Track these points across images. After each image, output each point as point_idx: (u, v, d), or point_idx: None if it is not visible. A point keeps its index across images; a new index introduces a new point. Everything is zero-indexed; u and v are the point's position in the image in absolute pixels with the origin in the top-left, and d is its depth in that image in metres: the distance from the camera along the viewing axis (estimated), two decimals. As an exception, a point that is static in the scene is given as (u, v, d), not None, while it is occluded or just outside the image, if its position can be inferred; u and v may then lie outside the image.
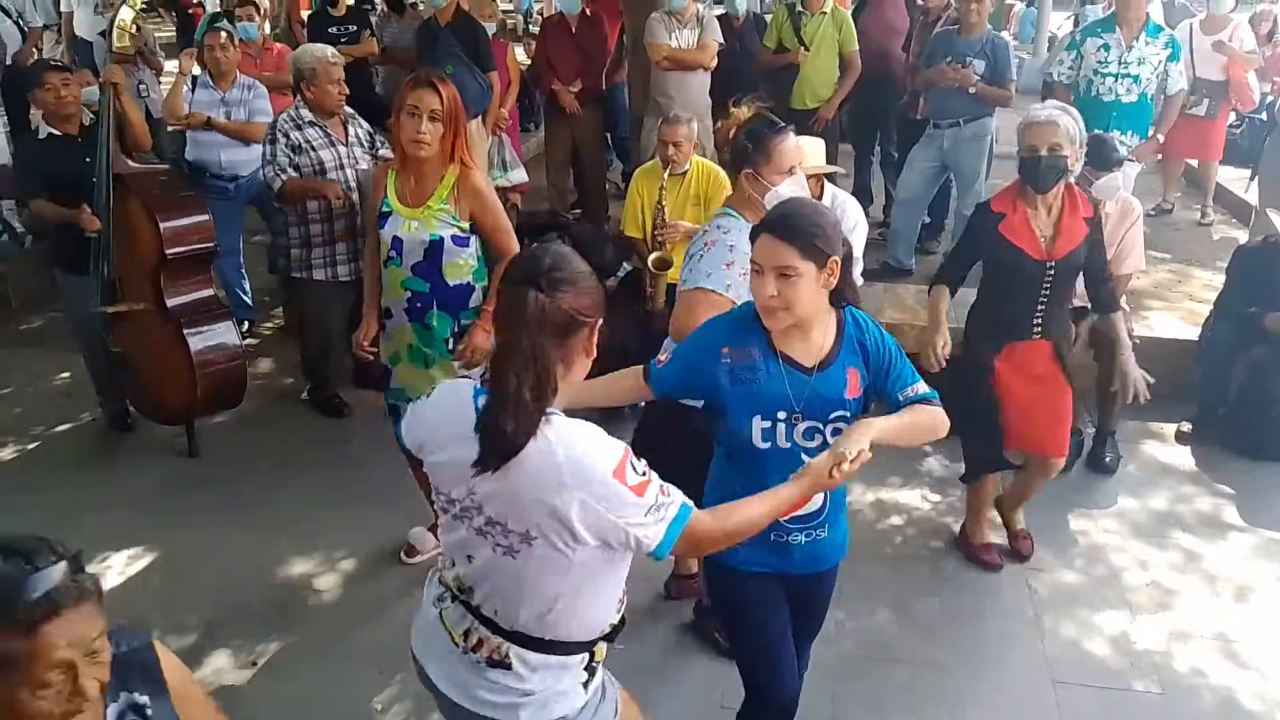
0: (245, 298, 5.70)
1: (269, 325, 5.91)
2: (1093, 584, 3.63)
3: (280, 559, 3.77)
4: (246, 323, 5.68)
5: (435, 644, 1.94)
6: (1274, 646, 3.32)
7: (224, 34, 5.23)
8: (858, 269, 2.58)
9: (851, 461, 1.90)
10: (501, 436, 1.68)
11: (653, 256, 4.55)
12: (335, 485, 4.21)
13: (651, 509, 1.73)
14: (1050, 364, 3.41)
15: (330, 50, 4.38)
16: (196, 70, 5.28)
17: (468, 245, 3.25)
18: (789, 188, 2.68)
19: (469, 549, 1.85)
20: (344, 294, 4.53)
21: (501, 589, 1.82)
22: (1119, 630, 3.41)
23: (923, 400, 2.17)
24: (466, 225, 3.22)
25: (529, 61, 8.43)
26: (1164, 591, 3.61)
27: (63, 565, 1.35)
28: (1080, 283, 3.44)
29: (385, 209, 3.24)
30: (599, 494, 1.69)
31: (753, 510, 1.88)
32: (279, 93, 5.75)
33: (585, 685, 1.93)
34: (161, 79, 7.04)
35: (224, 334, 4.34)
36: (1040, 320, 3.35)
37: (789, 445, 2.16)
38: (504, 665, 1.85)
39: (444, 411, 1.86)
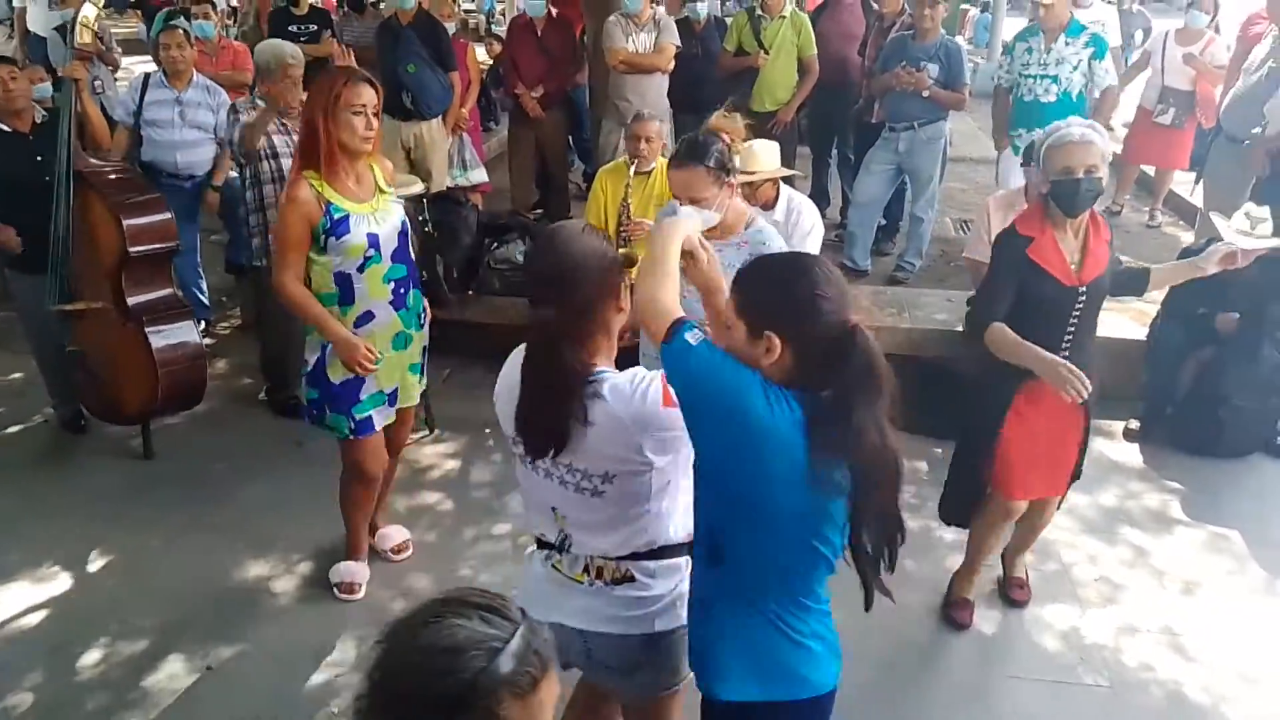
0: (202, 297, 5.64)
1: (225, 325, 5.86)
2: (1043, 579, 3.69)
3: (236, 561, 3.74)
4: (203, 322, 5.62)
5: (558, 594, 2.09)
6: (1220, 640, 3.40)
7: (179, 32, 5.17)
8: None
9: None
10: (542, 432, 1.95)
11: (620, 254, 4.56)
12: (292, 487, 4.18)
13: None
14: (1069, 407, 2.98)
15: (292, 49, 4.35)
16: (151, 68, 5.22)
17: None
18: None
19: (553, 501, 2.04)
20: None
21: (598, 524, 2.00)
22: (1069, 625, 3.47)
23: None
24: (404, 204, 3.36)
25: (490, 61, 8.42)
26: (1113, 586, 3.68)
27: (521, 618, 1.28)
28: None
29: (338, 214, 3.06)
30: (662, 425, 1.88)
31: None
32: (235, 91, 5.70)
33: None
34: (117, 76, 6.96)
35: (185, 333, 4.31)
36: (1068, 348, 3.07)
37: None
38: (628, 579, 2.03)
39: (509, 377, 2.05)
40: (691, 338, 1.77)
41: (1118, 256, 3.27)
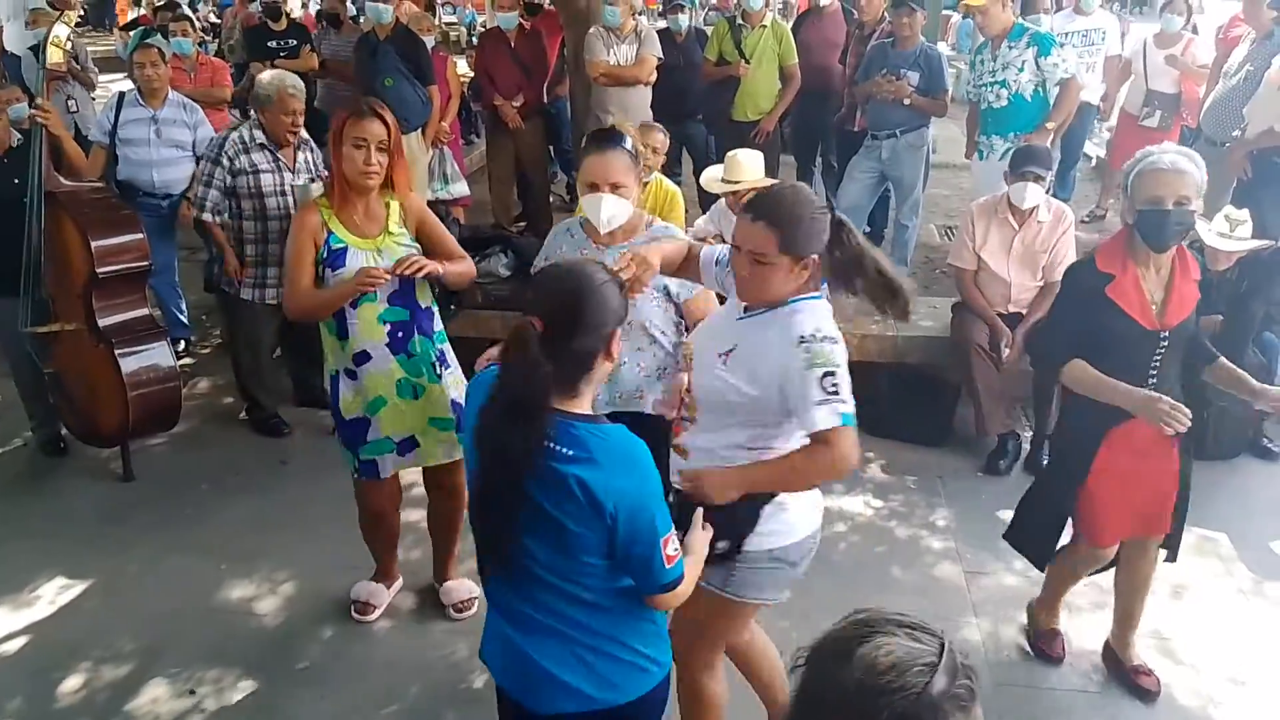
0: (181, 316, 5.60)
1: (206, 344, 5.82)
2: (1031, 585, 3.66)
3: (219, 583, 3.70)
4: (183, 341, 5.59)
5: None
6: (1208, 642, 3.40)
7: (154, 50, 5.14)
8: None
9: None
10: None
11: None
12: (275, 507, 4.14)
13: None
14: (1160, 436, 2.80)
15: (293, 81, 4.36)
16: (127, 86, 5.19)
17: None
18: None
19: None
20: (272, 315, 4.50)
21: None
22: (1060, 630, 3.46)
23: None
24: (419, 246, 3.15)
25: (471, 74, 8.42)
26: (1101, 591, 3.65)
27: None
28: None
29: (336, 244, 3.03)
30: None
31: None
32: (212, 108, 5.68)
33: None
34: (95, 94, 6.91)
35: (157, 355, 4.25)
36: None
37: None
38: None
39: None
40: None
41: (1210, 297, 3.05)
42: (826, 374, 2.10)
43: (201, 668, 3.27)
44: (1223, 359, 3.03)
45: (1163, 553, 3.15)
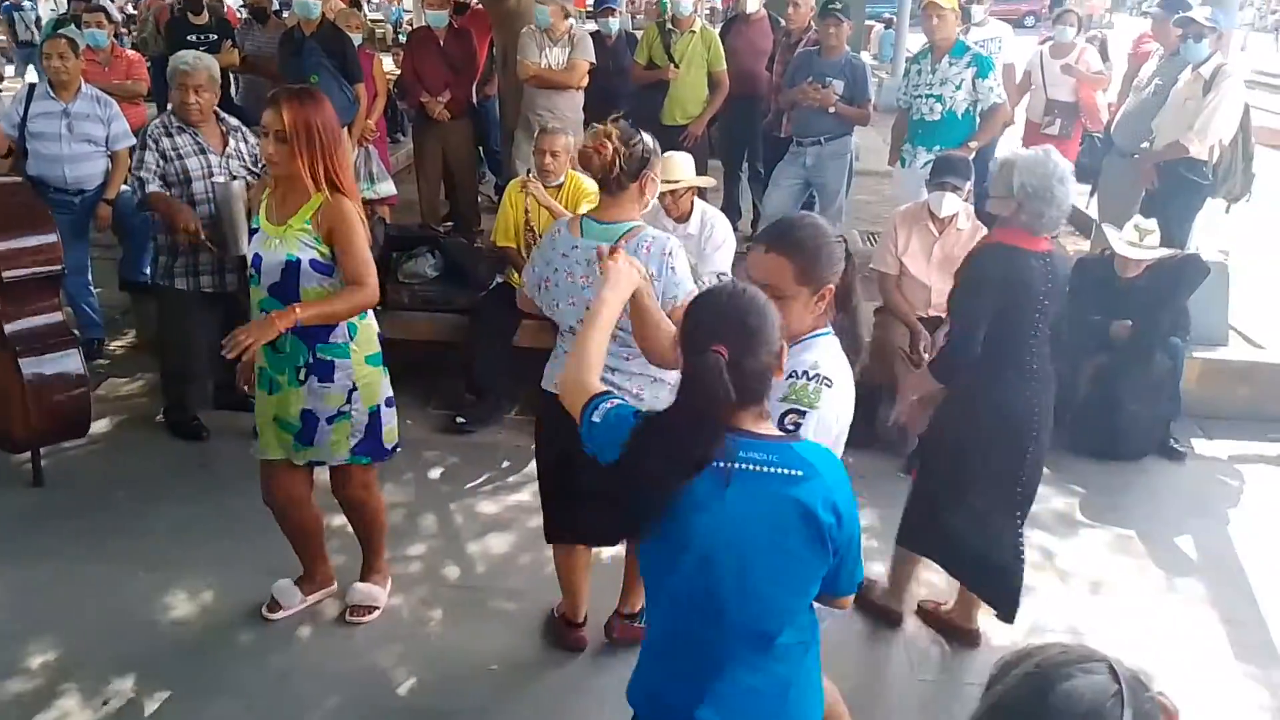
0: (94, 315, 5.43)
1: (120, 344, 5.64)
2: (952, 581, 3.75)
3: (137, 593, 3.58)
4: (96, 341, 5.42)
5: None
6: (1123, 637, 3.50)
7: (63, 40, 4.97)
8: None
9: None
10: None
11: None
12: (196, 514, 4.03)
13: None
14: None
15: (189, 58, 4.26)
16: (33, 78, 5.02)
17: (330, 275, 3.01)
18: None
19: None
20: (207, 306, 4.40)
21: None
22: (978, 626, 3.53)
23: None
24: (328, 251, 2.99)
25: (398, 71, 8.32)
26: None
27: None
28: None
29: (254, 225, 3.09)
30: None
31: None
32: (129, 102, 5.52)
33: None
34: (1, 88, 6.66)
35: (66, 363, 4.11)
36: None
37: None
38: None
39: None
40: (596, 415, 1.87)
41: None
42: (790, 411, 2.03)
43: (117, 679, 3.16)
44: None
45: None
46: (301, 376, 3.08)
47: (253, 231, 3.11)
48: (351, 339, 3.11)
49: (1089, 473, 4.60)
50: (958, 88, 5.59)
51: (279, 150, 2.93)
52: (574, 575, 3.30)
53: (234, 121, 4.44)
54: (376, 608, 3.49)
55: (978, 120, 5.64)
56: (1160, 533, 4.16)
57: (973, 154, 5.61)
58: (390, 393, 3.27)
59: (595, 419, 1.86)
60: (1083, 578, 3.85)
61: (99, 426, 4.48)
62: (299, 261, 2.97)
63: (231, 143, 4.36)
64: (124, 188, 5.00)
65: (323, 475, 3.40)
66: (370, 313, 3.17)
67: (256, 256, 3.04)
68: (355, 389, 3.14)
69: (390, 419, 3.27)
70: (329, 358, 3.08)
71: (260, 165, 4.28)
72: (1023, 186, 2.95)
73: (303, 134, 2.90)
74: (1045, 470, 4.54)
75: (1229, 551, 4.07)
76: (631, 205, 2.87)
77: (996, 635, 3.48)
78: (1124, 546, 4.07)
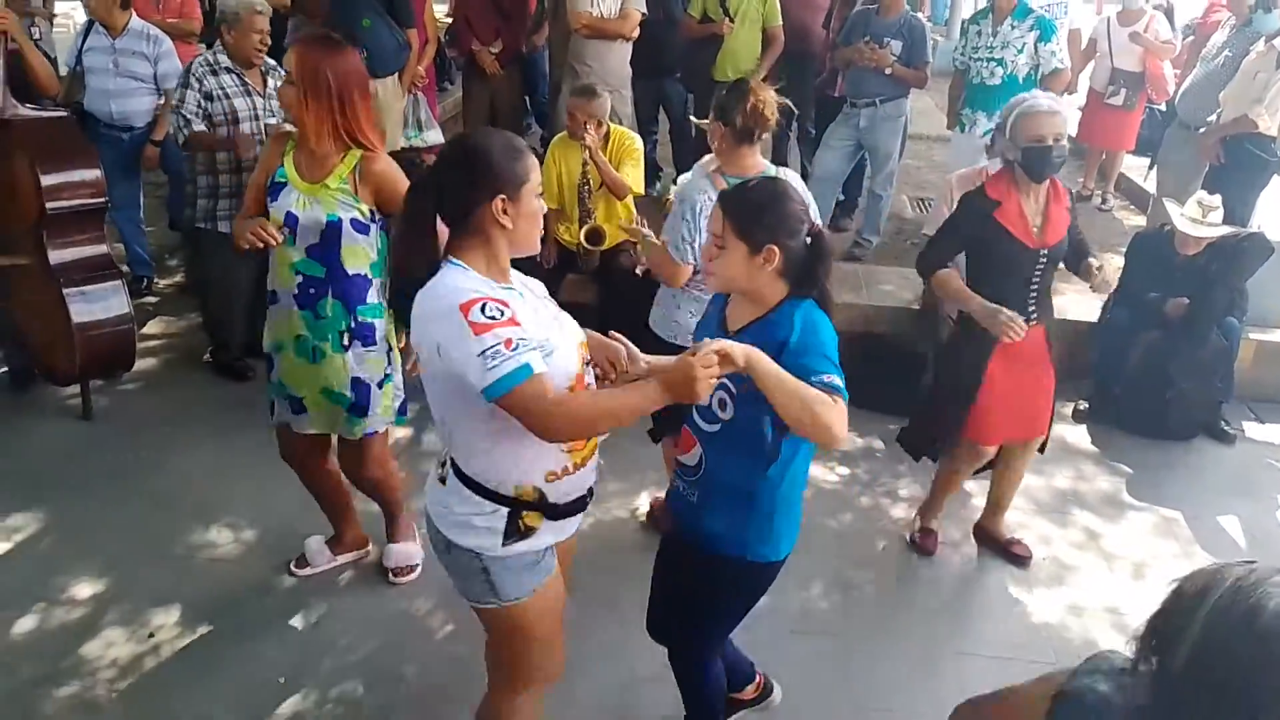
0: (144, 254, 5.47)
1: (169, 283, 5.68)
2: (995, 559, 3.73)
3: (178, 527, 3.64)
4: (146, 280, 5.46)
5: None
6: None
7: None
8: None
9: (719, 351, 1.88)
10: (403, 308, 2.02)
11: (585, 229, 4.52)
12: (236, 451, 4.07)
13: (484, 354, 1.83)
14: (1040, 348, 3.41)
15: None
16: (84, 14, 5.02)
17: (368, 233, 2.91)
18: None
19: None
20: (249, 253, 4.40)
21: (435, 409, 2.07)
22: (1018, 603, 3.52)
23: (826, 388, 2.02)
24: (368, 210, 2.89)
25: (449, 20, 8.24)
26: (1062, 567, 3.73)
27: None
28: None
29: (280, 179, 2.90)
30: (445, 322, 1.88)
31: (598, 399, 2.00)
32: (183, 41, 5.50)
33: (504, 537, 2.08)
34: (54, 23, 6.66)
35: (110, 296, 4.13)
36: (1034, 306, 3.33)
37: None
38: (441, 480, 2.13)
39: None
40: None
41: (1076, 224, 3.38)
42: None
43: (159, 612, 3.22)
44: (1090, 259, 3.36)
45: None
46: (345, 341, 2.98)
47: (278, 185, 2.92)
48: (382, 300, 3.02)
49: (1136, 452, 4.52)
50: (1019, 51, 5.45)
51: (290, 96, 2.83)
52: None
53: (271, 61, 4.37)
54: (416, 565, 3.46)
55: (1039, 85, 5.49)
56: (1206, 516, 4.09)
57: None
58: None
59: None
60: (1126, 559, 3.80)
61: (147, 364, 4.53)
62: (340, 222, 2.87)
63: (271, 82, 4.31)
64: (170, 129, 5.01)
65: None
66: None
67: (291, 215, 2.88)
68: (391, 349, 3.09)
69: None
70: (369, 319, 2.99)
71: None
72: None
73: (309, 81, 2.77)
74: (1092, 448, 4.54)
75: (1276, 536, 4.00)
76: (757, 155, 3.22)
77: (1034, 610, 3.46)
78: (1169, 529, 4.00)
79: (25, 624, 3.15)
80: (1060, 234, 3.28)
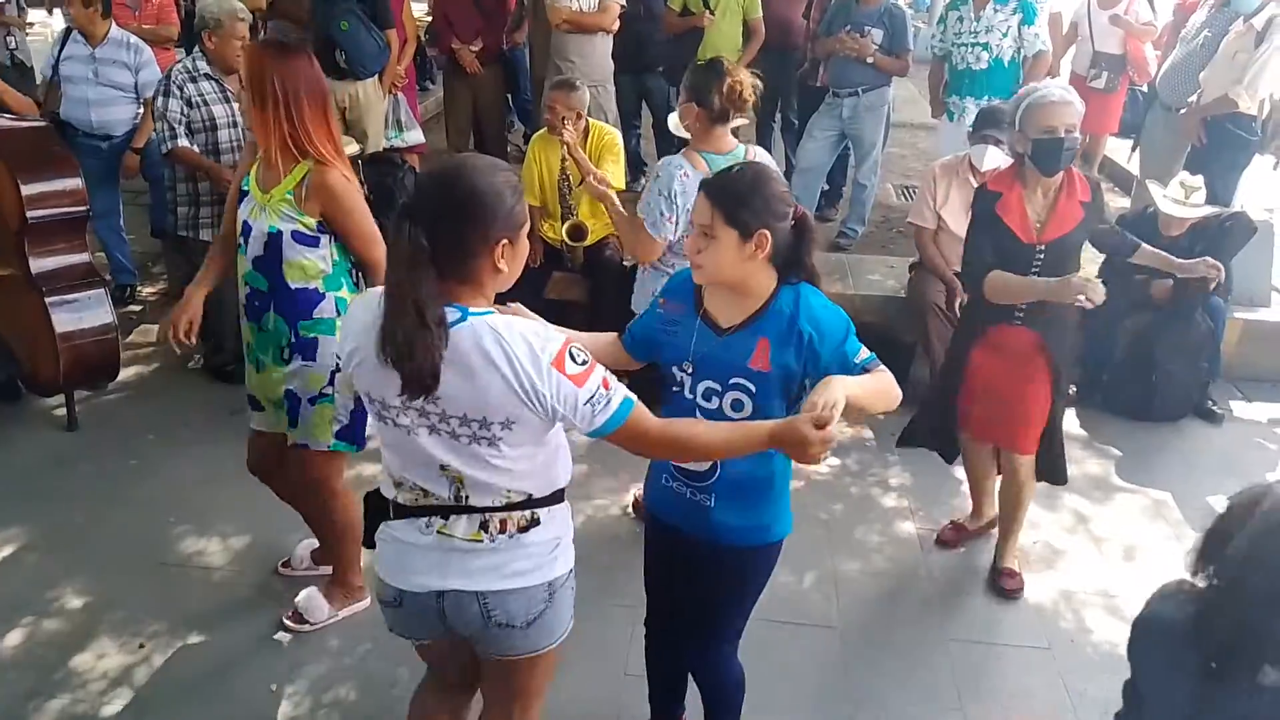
0: (125, 262, 5.44)
1: (153, 291, 5.65)
2: (985, 544, 3.73)
3: (168, 537, 3.62)
4: (129, 288, 5.43)
5: (450, 560, 1.96)
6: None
7: None
8: None
9: (829, 411, 1.86)
10: (414, 368, 1.75)
11: (567, 226, 4.51)
12: (226, 458, 4.01)
13: (591, 400, 1.81)
14: (1029, 348, 3.24)
15: (240, 4, 4.20)
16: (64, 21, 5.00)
17: (316, 246, 2.78)
18: None
19: (443, 459, 1.87)
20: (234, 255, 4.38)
21: (502, 473, 1.89)
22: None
23: (871, 364, 2.15)
24: (313, 223, 2.75)
25: (429, 19, 8.22)
26: (1053, 551, 3.74)
27: None
28: None
29: (245, 187, 2.85)
30: (544, 381, 1.78)
31: (699, 431, 1.98)
32: (160, 47, 5.48)
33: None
34: (28, 31, 6.64)
35: (93, 304, 4.10)
36: (1023, 306, 3.20)
37: (690, 399, 2.24)
38: (535, 523, 1.97)
39: (358, 322, 1.89)
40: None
41: (1103, 215, 3.34)
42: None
43: (150, 622, 3.21)
44: (1144, 245, 3.45)
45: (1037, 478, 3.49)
46: (285, 355, 2.88)
47: (244, 193, 2.86)
48: (339, 314, 2.83)
49: (1124, 434, 4.54)
50: (1004, 35, 5.45)
51: (245, 103, 2.76)
52: None
53: None
54: (310, 622, 3.18)
55: (1021, 68, 5.49)
56: (1196, 496, 4.09)
57: None
58: None
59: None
60: (1117, 541, 3.81)
61: (132, 373, 4.50)
62: (280, 234, 2.76)
63: None
64: (153, 135, 4.98)
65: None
66: (360, 285, 2.89)
67: (245, 224, 2.82)
68: (339, 369, 2.84)
69: None
70: (313, 335, 2.86)
71: None
72: None
73: (256, 89, 2.67)
74: (1081, 431, 4.55)
75: (1266, 516, 4.01)
76: (729, 133, 3.25)
77: (1026, 596, 3.47)
78: (1159, 510, 4.02)
79: (14, 637, 3.13)
80: (1065, 229, 3.15)
